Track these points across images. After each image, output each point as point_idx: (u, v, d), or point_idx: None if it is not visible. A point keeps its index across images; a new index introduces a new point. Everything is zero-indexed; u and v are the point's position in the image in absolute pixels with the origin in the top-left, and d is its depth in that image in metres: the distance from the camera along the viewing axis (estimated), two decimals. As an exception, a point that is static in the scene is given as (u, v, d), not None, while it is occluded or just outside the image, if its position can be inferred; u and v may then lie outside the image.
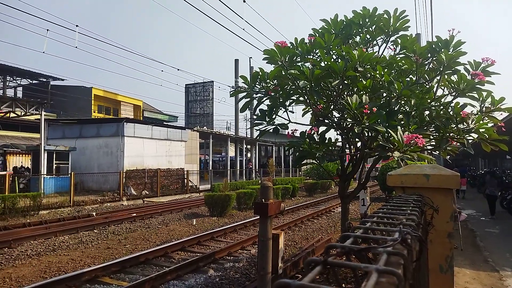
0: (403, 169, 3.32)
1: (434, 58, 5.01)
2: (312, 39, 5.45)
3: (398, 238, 0.87)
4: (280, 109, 5.58)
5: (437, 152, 5.53)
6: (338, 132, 5.97)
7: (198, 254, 8.43)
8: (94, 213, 14.24)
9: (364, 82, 4.96)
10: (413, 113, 4.85)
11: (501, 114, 4.84)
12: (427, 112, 5.16)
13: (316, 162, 5.38)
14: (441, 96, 5.23)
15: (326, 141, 5.23)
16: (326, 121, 5.58)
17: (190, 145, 26.70)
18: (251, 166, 35.09)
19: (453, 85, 4.81)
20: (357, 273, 0.86)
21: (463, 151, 5.01)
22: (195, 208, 16.68)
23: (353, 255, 0.85)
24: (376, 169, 21.39)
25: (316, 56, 5.49)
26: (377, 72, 4.85)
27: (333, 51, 5.38)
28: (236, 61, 39.08)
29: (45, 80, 36.87)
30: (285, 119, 5.64)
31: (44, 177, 18.03)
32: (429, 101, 5.06)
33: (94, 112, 37.57)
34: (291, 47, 5.37)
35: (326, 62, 4.99)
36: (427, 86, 5.26)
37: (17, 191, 16.84)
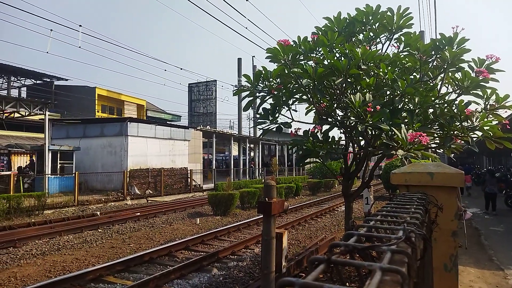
0: (407, 167, 3.30)
1: (438, 56, 4.98)
2: (315, 37, 5.43)
3: (402, 236, 0.87)
4: (283, 107, 5.57)
5: (441, 150, 5.51)
6: (342, 131, 5.96)
7: (202, 253, 8.45)
8: (98, 213, 14.30)
9: (368, 80, 4.94)
10: (417, 111, 4.82)
11: (506, 111, 4.82)
12: (431, 110, 5.14)
13: (319, 161, 5.37)
14: (445, 94, 5.20)
15: (330, 139, 5.22)
16: (329, 119, 5.57)
17: (193, 144, 26.72)
18: (252, 165, 35.10)
19: (457, 82, 4.78)
20: (361, 272, 0.86)
21: (468, 149, 4.97)
22: (198, 207, 16.71)
23: (356, 253, 0.84)
24: (379, 168, 21.34)
25: (319, 54, 5.47)
26: (381, 70, 4.83)
27: (336, 49, 5.36)
28: (239, 60, 39.08)
29: (49, 80, 37.01)
30: (288, 117, 5.63)
31: (48, 177, 18.11)
32: (433, 99, 5.04)
33: (98, 111, 37.69)
34: (294, 45, 5.36)
35: (329, 60, 4.98)
36: (431, 84, 5.23)
37: (22, 191, 16.93)
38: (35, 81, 37.79)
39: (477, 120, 4.55)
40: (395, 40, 5.75)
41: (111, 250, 9.02)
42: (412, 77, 5.24)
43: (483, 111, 4.69)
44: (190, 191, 23.81)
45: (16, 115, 19.64)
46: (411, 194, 2.29)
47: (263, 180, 26.45)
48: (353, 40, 5.97)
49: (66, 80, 36.73)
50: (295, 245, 9.58)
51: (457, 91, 4.84)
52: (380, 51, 5.81)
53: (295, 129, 5.77)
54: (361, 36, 5.93)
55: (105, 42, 55.37)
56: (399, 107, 4.88)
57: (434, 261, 2.55)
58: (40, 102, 19.25)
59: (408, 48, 5.43)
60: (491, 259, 7.68)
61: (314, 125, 5.34)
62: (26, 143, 25.65)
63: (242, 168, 32.66)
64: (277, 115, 5.52)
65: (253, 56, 39.66)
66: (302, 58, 5.42)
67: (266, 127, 5.56)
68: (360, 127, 4.41)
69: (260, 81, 5.36)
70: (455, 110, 4.80)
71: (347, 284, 0.73)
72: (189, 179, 24.48)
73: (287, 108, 5.61)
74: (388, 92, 5.21)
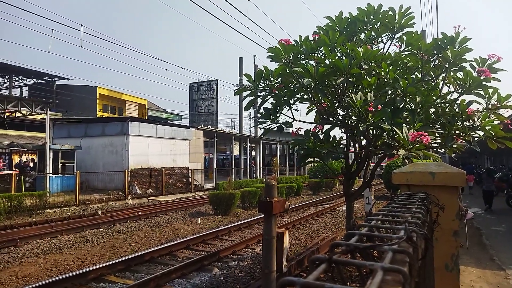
0: (408, 167, 3.30)
1: (440, 55, 4.97)
2: (317, 36, 5.42)
3: (403, 236, 0.86)
4: (285, 107, 5.57)
5: (443, 150, 5.49)
6: (343, 130, 5.95)
7: (203, 253, 8.46)
8: (99, 212, 14.32)
9: (369, 80, 4.93)
10: (418, 110, 4.81)
11: (508, 111, 4.80)
12: (432, 110, 5.12)
13: (320, 161, 5.36)
14: (446, 93, 5.18)
15: (331, 139, 5.21)
16: (330, 119, 5.56)
17: (194, 143, 26.74)
18: (253, 165, 35.10)
19: (459, 82, 4.77)
20: (362, 271, 0.85)
21: (469, 149, 4.97)
22: (199, 206, 16.72)
23: (358, 253, 0.84)
24: (381, 167, 21.33)
25: (321, 53, 5.46)
26: (382, 69, 4.82)
27: (338, 49, 5.35)
28: (240, 59, 39.06)
29: (50, 79, 37.03)
30: (289, 117, 5.62)
31: (50, 176, 18.14)
32: (434, 98, 5.02)
33: (99, 111, 37.70)
34: (295, 45, 5.35)
35: (330, 60, 4.97)
36: (433, 83, 5.22)
37: (23, 190, 16.96)
38: (36, 81, 37.81)
39: (479, 119, 4.54)
40: (397, 40, 5.74)
41: (112, 249, 9.03)
42: (413, 76, 5.23)
43: (485, 110, 4.67)
44: (191, 190, 23.83)
45: (18, 114, 19.68)
46: (413, 193, 2.29)
47: (264, 180, 26.45)
48: (354, 39, 5.96)
49: (68, 79, 36.76)
50: (296, 245, 9.57)
51: (459, 91, 4.82)
52: (381, 50, 5.79)
53: (296, 128, 5.77)
54: (362, 36, 5.92)
55: (106, 41, 55.53)
56: (401, 106, 4.86)
57: (435, 261, 2.54)
58: (42, 101, 19.29)
59: (409, 48, 5.41)
60: (493, 259, 7.67)
61: (315, 124, 5.33)
62: (27, 143, 25.69)
63: (243, 168, 32.68)
64: (278, 115, 5.51)
65: (254, 56, 39.65)
66: (303, 57, 5.41)
67: (267, 127, 5.55)
68: (361, 126, 4.40)
69: (261, 81, 5.35)
70: (456, 110, 4.79)
71: (348, 283, 0.73)
72: (190, 178, 24.49)
73: (288, 108, 5.60)
74: (389, 92, 5.20)
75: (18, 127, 28.04)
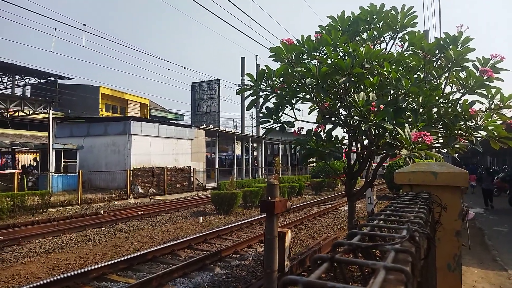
0: (411, 167, 3.29)
1: (442, 55, 4.96)
2: (319, 36, 5.42)
3: (406, 235, 0.86)
4: (287, 107, 5.56)
5: (445, 150, 5.48)
6: (345, 130, 5.94)
7: (205, 252, 8.46)
8: (101, 211, 14.35)
9: (371, 79, 4.93)
10: (420, 110, 4.80)
11: (510, 111, 4.78)
12: (435, 110, 5.11)
13: (323, 161, 5.36)
14: (449, 93, 5.17)
15: (333, 139, 5.20)
16: (332, 118, 5.55)
17: (196, 143, 26.77)
18: (255, 164, 35.10)
19: (461, 82, 4.76)
20: (364, 271, 0.85)
21: (472, 149, 4.95)
22: (201, 206, 16.73)
23: (360, 252, 0.84)
24: (383, 167, 21.30)
25: (323, 53, 5.46)
26: (385, 69, 4.82)
27: (340, 48, 5.34)
28: (242, 59, 39.07)
29: (53, 79, 37.13)
30: (291, 117, 5.62)
31: (52, 175, 18.20)
32: (437, 98, 5.01)
33: (102, 110, 37.79)
34: (297, 44, 5.35)
35: (332, 59, 4.96)
36: (435, 83, 5.21)
37: (26, 189, 17.02)
38: (39, 80, 37.94)
39: (482, 119, 4.53)
40: (399, 39, 5.74)
41: (114, 248, 9.06)
42: (416, 76, 5.22)
43: (488, 110, 4.66)
44: (193, 190, 23.86)
45: (21, 113, 19.73)
46: (415, 193, 2.28)
47: (266, 179, 26.46)
48: (357, 39, 5.96)
49: (70, 79, 36.86)
50: (297, 245, 9.57)
51: (462, 91, 4.81)
52: (384, 50, 5.79)
53: (298, 128, 5.76)
54: (365, 35, 5.91)
55: (109, 41, 55.63)
56: (403, 106, 4.86)
57: (437, 261, 2.54)
58: (44, 101, 19.34)
59: (412, 47, 5.40)
60: (495, 260, 7.65)
61: (317, 124, 5.33)
62: (30, 142, 25.77)
63: (245, 167, 32.68)
64: (280, 114, 5.51)
65: (256, 55, 39.56)
66: (305, 57, 5.41)
67: (269, 126, 5.55)
68: (363, 126, 4.39)
69: (264, 80, 5.36)
70: (459, 110, 4.78)
71: (350, 283, 0.73)
72: (192, 178, 24.52)
73: (290, 107, 5.60)
74: (392, 91, 5.19)
75: (21, 127, 28.11)
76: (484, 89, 4.58)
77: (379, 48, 5.77)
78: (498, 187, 19.26)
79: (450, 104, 5.03)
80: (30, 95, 36.21)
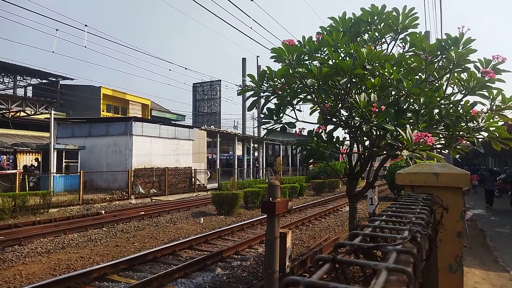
0: (412, 167, 3.29)
1: (444, 56, 4.96)
2: (320, 37, 5.42)
3: (407, 236, 0.86)
4: (288, 107, 5.57)
5: (447, 151, 5.48)
6: (346, 131, 5.94)
7: (206, 253, 8.46)
8: (103, 211, 14.36)
9: (373, 80, 4.93)
10: (422, 111, 4.80)
11: (512, 112, 4.78)
12: (436, 111, 5.11)
13: (324, 161, 5.36)
14: (450, 94, 5.17)
15: (334, 139, 5.21)
16: (334, 119, 5.55)
17: (197, 144, 26.78)
18: (257, 165, 35.09)
19: (463, 83, 4.76)
20: (366, 272, 0.85)
21: (473, 150, 4.95)
22: (202, 206, 16.73)
23: (361, 253, 0.84)
24: (384, 168, 21.28)
25: (324, 54, 5.47)
26: (386, 70, 4.82)
27: (341, 49, 5.34)
28: (244, 60, 39.06)
29: (54, 79, 37.21)
30: (292, 117, 5.63)
31: (53, 176, 18.22)
32: (438, 99, 5.01)
33: (103, 111, 37.83)
34: (298, 45, 5.36)
35: (334, 60, 4.97)
36: (437, 84, 5.21)
37: (27, 189, 17.05)
38: (40, 81, 38.02)
39: (483, 120, 4.53)
40: (401, 40, 5.74)
41: (116, 248, 9.06)
42: (417, 77, 5.22)
43: (489, 111, 4.66)
44: (194, 190, 23.86)
45: (22, 114, 19.77)
46: (416, 194, 2.28)
47: (267, 180, 26.45)
48: (358, 40, 5.96)
49: (72, 79, 37.03)
50: (298, 245, 9.56)
51: (463, 92, 4.81)
52: (385, 51, 5.79)
53: (299, 129, 5.77)
54: (366, 36, 5.92)
55: (110, 42, 55.61)
56: (404, 107, 4.86)
57: (439, 261, 2.53)
58: (46, 101, 19.37)
59: (413, 48, 5.40)
60: (497, 261, 7.63)
61: (318, 125, 5.33)
62: (31, 142, 25.82)
63: (246, 168, 32.67)
64: (281, 115, 5.52)
65: (257, 56, 39.59)
66: (307, 58, 5.42)
67: (270, 127, 5.55)
68: (364, 127, 4.39)
69: (265, 81, 5.36)
70: (460, 111, 4.78)
71: (352, 284, 0.73)
72: (193, 178, 24.53)
73: (291, 108, 5.60)
74: (393, 93, 5.20)
75: (23, 127, 28.18)
76: (485, 90, 4.58)
77: (380, 49, 5.77)
78: (500, 188, 19.23)
79: (451, 105, 5.02)
80: (32, 95, 36.27)
